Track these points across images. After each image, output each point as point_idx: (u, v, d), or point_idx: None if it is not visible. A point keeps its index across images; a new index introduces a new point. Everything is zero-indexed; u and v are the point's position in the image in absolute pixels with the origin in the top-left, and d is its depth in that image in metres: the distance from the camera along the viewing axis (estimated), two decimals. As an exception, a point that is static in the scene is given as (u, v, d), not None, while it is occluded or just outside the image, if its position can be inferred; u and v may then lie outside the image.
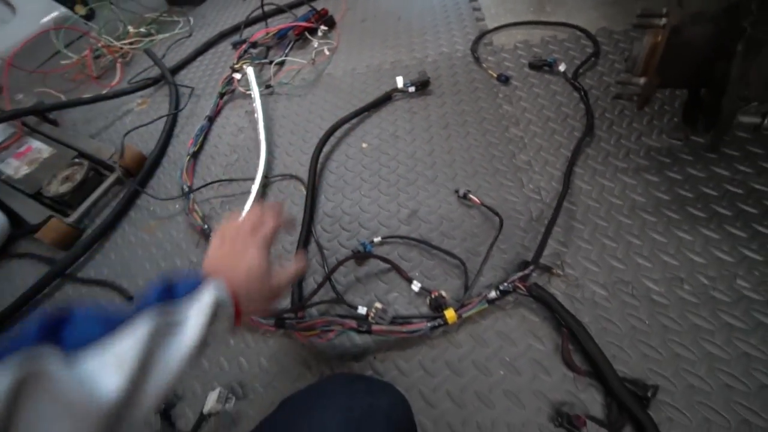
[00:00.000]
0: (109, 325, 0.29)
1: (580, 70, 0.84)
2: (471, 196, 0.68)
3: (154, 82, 1.27)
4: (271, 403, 0.57)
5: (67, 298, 0.81)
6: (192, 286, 0.34)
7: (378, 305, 0.58)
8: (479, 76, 0.92)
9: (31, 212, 0.91)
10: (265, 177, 0.84)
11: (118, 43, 1.49)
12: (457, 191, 0.70)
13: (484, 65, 0.92)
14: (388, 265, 0.64)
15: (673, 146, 0.68)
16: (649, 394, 0.45)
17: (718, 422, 0.44)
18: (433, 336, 0.57)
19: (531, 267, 0.56)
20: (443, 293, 0.58)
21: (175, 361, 0.31)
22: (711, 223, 0.58)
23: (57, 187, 0.93)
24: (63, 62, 1.50)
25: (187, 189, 0.88)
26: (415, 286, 0.61)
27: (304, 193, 0.79)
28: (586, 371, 0.49)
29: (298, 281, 0.66)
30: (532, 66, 0.88)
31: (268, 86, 1.07)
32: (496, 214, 0.64)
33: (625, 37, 0.88)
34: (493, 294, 0.56)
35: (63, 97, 1.33)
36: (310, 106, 1.00)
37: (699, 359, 0.48)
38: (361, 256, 0.66)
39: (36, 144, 1.05)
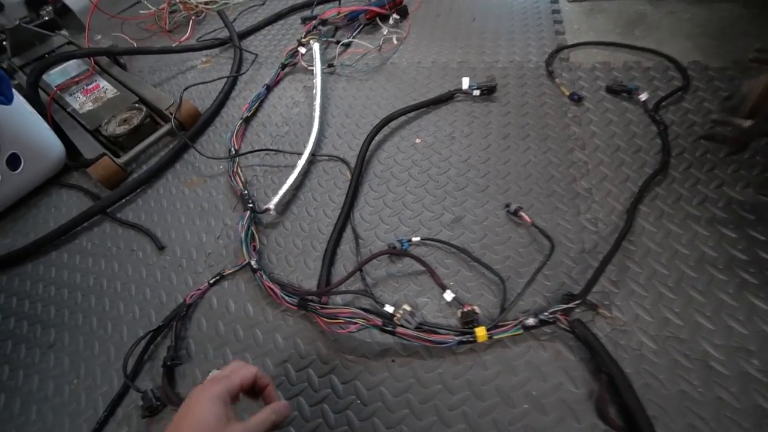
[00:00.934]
0: None
1: (663, 103, 0.77)
2: (522, 213, 0.64)
3: (221, 43, 1.29)
4: (278, 384, 0.56)
5: (104, 236, 0.83)
6: None
7: (407, 307, 0.55)
8: (549, 92, 0.86)
9: (87, 147, 0.94)
10: (313, 154, 0.83)
11: (194, 1, 1.52)
12: (507, 206, 0.67)
13: (557, 80, 0.87)
14: (422, 267, 0.62)
15: (760, 203, 0.61)
16: (693, 470, 0.40)
17: None
18: (458, 351, 0.54)
19: (577, 301, 0.52)
20: (476, 309, 0.55)
21: None
22: (793, 295, 0.52)
23: (114, 128, 0.96)
24: (141, 12, 1.56)
25: (234, 152, 0.88)
26: (448, 295, 0.58)
27: (349, 177, 0.77)
28: (622, 427, 0.45)
29: (327, 266, 0.65)
30: (610, 90, 0.82)
31: (330, 65, 1.06)
32: (548, 237, 0.60)
33: (721, 75, 0.80)
34: (531, 321, 0.52)
35: (135, 44, 1.38)
36: (369, 92, 0.98)
37: (756, 445, 0.43)
38: (397, 252, 0.63)
39: (103, 83, 1.10)
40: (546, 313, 0.52)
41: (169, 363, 0.58)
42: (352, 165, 0.79)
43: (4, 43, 1.20)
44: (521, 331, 0.52)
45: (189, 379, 0.59)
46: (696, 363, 0.48)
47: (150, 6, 1.56)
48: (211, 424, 0.33)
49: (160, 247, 0.77)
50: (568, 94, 0.84)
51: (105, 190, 0.91)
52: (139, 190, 0.91)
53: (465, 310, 0.55)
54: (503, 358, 0.52)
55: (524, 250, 0.62)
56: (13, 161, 0.87)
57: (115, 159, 0.92)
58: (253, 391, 0.41)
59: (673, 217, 0.62)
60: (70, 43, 1.22)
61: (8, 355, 0.68)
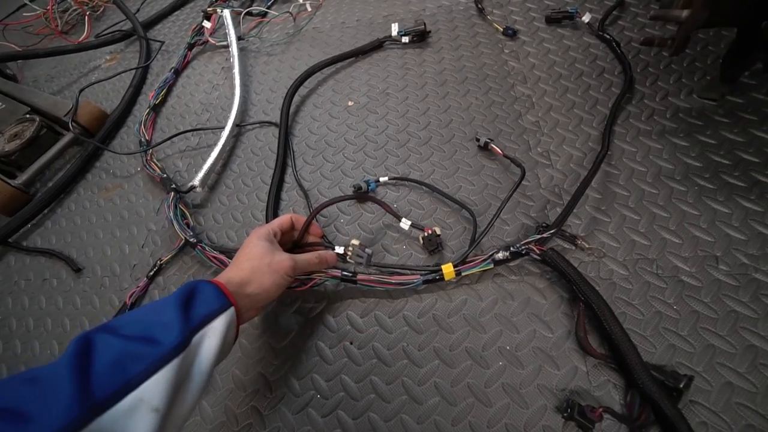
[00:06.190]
0: (140, 362, 0.28)
1: (606, 21, 0.73)
2: (493, 145, 0.60)
3: (124, 36, 1.15)
4: (235, 360, 0.49)
5: (9, 269, 0.71)
6: (210, 309, 0.35)
7: (354, 242, 0.50)
8: (483, 30, 0.81)
9: (-27, 173, 0.80)
10: (238, 125, 0.76)
11: (86, -5, 1.35)
12: (477, 140, 0.62)
13: (488, 18, 0.82)
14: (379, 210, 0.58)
15: (705, 107, 0.59)
16: (682, 386, 0.37)
17: (765, 430, 0.36)
18: (422, 318, 0.49)
19: (552, 231, 0.48)
20: (437, 231, 0.51)
21: (196, 391, 0.32)
22: (751, 193, 0.49)
23: (3, 145, 0.82)
24: (26, 15, 1.37)
25: (145, 141, 0.78)
26: (405, 223, 0.52)
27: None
28: (604, 355, 0.41)
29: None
30: (550, 20, 0.77)
31: (240, 38, 0.95)
32: (518, 165, 0.55)
33: (649, -12, 0.77)
34: (501, 254, 0.47)
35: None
36: (293, 61, 0.89)
37: (739, 352, 0.40)
38: (354, 197, 0.58)
39: (-17, 98, 0.94)
40: (518, 245, 0.47)
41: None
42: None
43: None
44: (491, 266, 0.48)
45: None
46: (668, 281, 0.45)
47: (36, 7, 1.37)
48: (259, 253, 0.43)
49: (77, 270, 0.67)
50: (501, 29, 0.78)
51: (4, 218, 0.79)
52: (46, 211, 0.79)
53: (426, 234, 0.51)
54: (469, 317, 0.47)
55: (477, 198, 0.57)
56: None
57: (8, 181, 0.79)
58: (295, 238, 0.51)
59: (625, 135, 0.59)
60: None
61: None
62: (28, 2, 1.38)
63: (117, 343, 0.29)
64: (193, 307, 0.34)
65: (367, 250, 0.50)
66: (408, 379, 0.45)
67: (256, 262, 0.41)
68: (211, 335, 0.34)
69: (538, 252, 0.46)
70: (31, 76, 1.19)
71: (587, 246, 0.49)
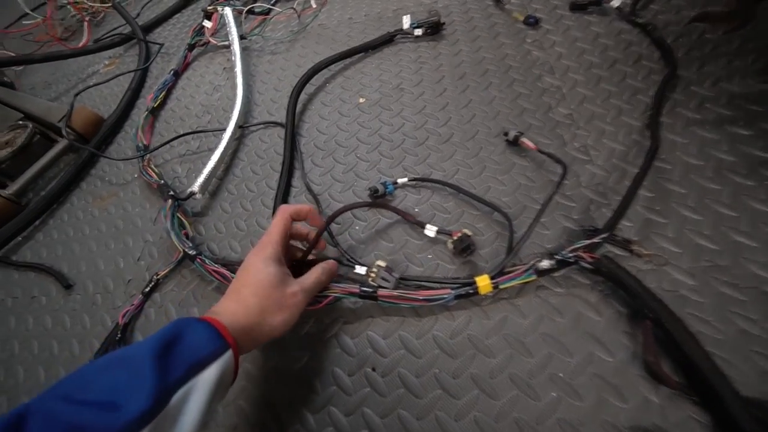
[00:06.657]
0: None
1: (638, 6, 0.67)
2: (524, 140, 0.53)
3: (123, 40, 1.11)
4: (241, 390, 0.42)
5: (-5, 286, 0.66)
6: (199, 354, 0.28)
7: (380, 263, 0.44)
8: (501, 20, 0.75)
9: (-39, 183, 0.76)
10: (241, 126, 0.71)
11: (86, 1, 1.32)
12: (506, 134, 0.55)
13: (506, 7, 0.76)
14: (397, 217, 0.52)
15: (765, 92, 0.52)
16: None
17: None
18: (455, 339, 0.42)
19: (604, 235, 0.41)
20: (467, 232, 0.44)
21: None
22: (833, 187, 0.42)
23: (-7, 154, 0.78)
24: (25, 23, 1.34)
25: (143, 146, 0.73)
26: (430, 230, 0.46)
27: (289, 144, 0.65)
28: (681, 383, 0.34)
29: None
30: (575, 6, 0.71)
31: (242, 37, 0.90)
32: (558, 161, 0.48)
33: (684, -31, 0.71)
34: (545, 263, 0.40)
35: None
36: (299, 59, 0.84)
37: None
38: (370, 204, 0.52)
39: (-24, 106, 0.90)
40: (564, 252, 0.40)
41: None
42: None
43: None
44: (534, 277, 0.41)
45: None
46: (748, 292, 0.38)
47: (36, 16, 1.34)
48: (267, 283, 0.35)
49: (67, 286, 0.61)
50: (522, 18, 0.72)
51: (-6, 231, 0.73)
52: (38, 222, 0.74)
53: (455, 238, 0.44)
54: (511, 339, 0.40)
55: (509, 199, 0.51)
56: None
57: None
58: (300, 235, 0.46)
59: (674, 126, 0.52)
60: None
61: None
62: (29, 11, 1.35)
63: (64, 415, 0.22)
64: (176, 354, 0.27)
65: (394, 273, 0.43)
66: (443, 414, 0.38)
67: (264, 300, 0.35)
68: (200, 389, 0.27)
69: (589, 260, 0.40)
70: (29, 84, 1.15)
71: (645, 252, 0.42)
